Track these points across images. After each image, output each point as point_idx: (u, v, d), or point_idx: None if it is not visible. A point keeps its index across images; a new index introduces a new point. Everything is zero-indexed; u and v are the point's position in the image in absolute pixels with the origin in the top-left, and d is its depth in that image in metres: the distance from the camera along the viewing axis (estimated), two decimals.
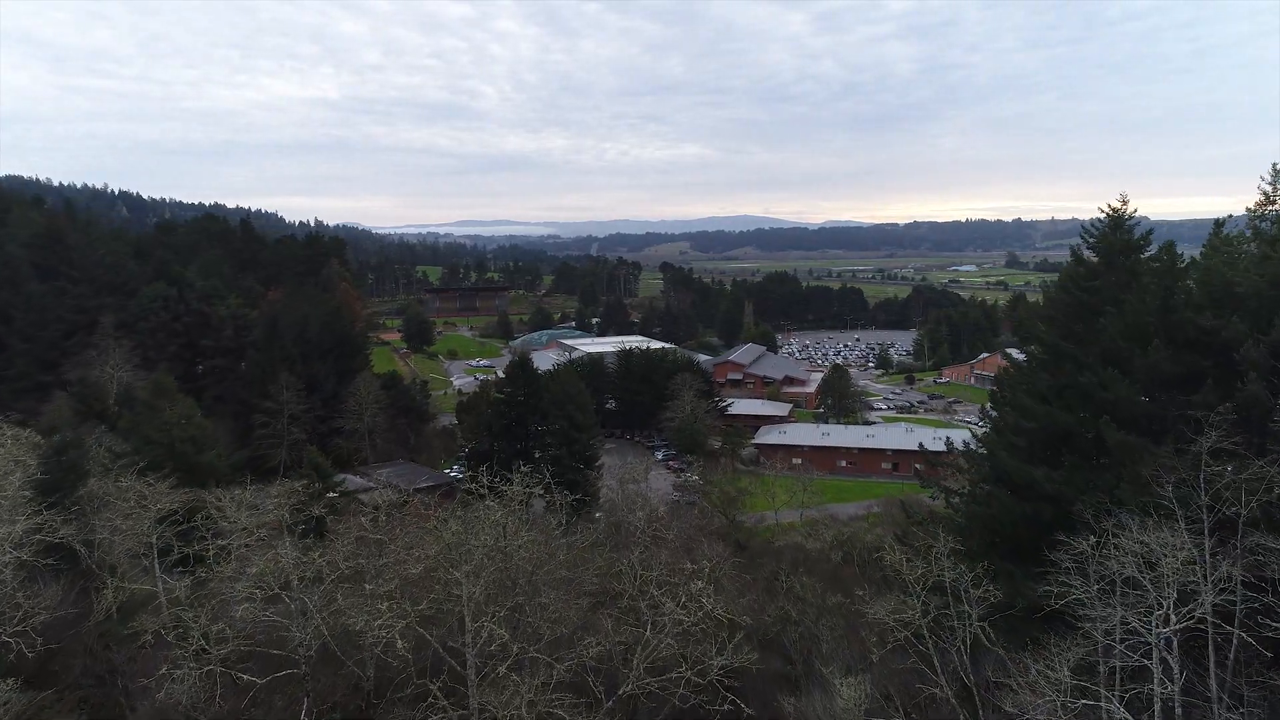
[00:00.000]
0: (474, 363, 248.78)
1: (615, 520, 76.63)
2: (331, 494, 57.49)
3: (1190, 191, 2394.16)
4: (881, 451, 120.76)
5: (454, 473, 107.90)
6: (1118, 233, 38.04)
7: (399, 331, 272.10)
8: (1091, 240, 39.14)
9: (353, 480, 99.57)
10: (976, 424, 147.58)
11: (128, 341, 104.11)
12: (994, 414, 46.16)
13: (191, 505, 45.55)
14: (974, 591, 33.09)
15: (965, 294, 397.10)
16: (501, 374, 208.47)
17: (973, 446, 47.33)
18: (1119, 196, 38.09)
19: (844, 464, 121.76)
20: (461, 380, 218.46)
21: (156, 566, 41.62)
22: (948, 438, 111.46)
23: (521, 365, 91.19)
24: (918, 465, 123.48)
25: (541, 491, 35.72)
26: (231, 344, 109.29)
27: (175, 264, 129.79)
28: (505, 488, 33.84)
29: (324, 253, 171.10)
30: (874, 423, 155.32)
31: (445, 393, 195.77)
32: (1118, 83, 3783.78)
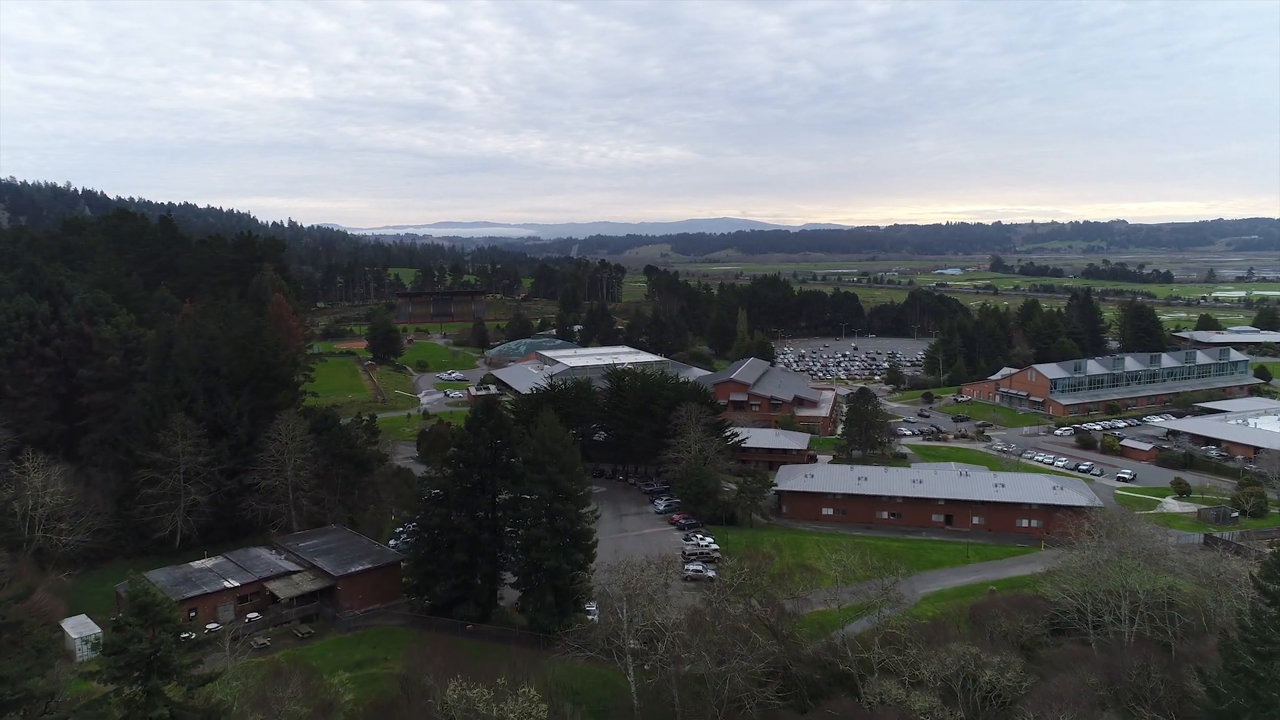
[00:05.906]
0: (446, 375, 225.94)
1: (615, 641, 54.79)
2: (166, 661, 34.72)
3: (1164, 196, 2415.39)
4: (932, 502, 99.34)
5: (400, 538, 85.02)
6: None
7: (366, 340, 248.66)
8: None
9: (265, 557, 76.24)
10: (1032, 460, 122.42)
11: None
12: None
13: None
14: None
15: (957, 298, 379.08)
16: (474, 390, 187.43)
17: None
18: None
19: (885, 515, 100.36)
20: (430, 398, 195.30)
21: None
22: (1054, 501, 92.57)
23: (486, 411, 68.34)
24: (976, 519, 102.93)
25: None
26: (119, 374, 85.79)
27: (68, 270, 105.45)
28: None
29: (257, 256, 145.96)
30: (902, 452, 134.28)
31: (410, 414, 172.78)
32: (1091, 87, 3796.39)
